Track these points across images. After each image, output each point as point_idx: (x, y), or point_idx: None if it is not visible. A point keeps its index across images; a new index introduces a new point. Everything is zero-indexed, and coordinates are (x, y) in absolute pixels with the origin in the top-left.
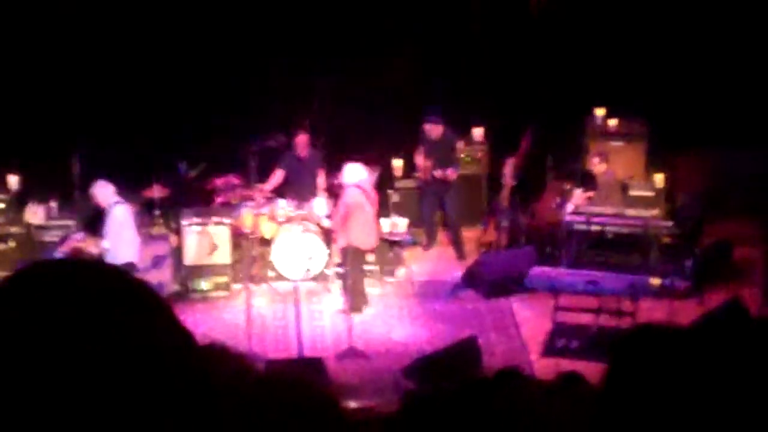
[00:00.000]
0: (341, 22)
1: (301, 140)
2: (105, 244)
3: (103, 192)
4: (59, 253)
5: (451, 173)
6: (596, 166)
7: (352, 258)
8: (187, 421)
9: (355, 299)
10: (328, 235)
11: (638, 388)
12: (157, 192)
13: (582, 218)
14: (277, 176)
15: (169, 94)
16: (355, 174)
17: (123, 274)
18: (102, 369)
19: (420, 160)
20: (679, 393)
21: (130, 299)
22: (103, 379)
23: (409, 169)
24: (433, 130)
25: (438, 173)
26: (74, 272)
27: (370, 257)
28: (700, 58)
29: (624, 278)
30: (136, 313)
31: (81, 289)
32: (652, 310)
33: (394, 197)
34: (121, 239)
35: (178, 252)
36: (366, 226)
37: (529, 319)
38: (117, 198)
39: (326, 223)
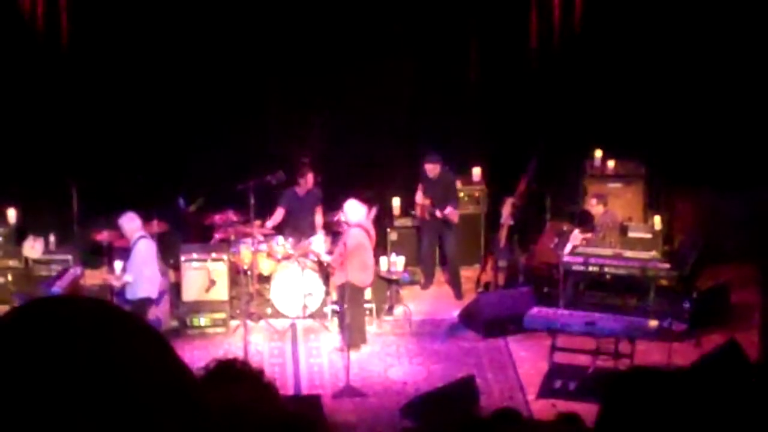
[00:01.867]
0: (340, 59)
1: (306, 178)
2: (127, 277)
3: (130, 225)
4: (57, 287)
5: (451, 213)
6: (594, 207)
7: (351, 295)
8: None
9: (354, 336)
10: (326, 272)
11: (630, 429)
12: (155, 227)
13: (580, 259)
14: (278, 214)
15: (169, 129)
16: (358, 213)
17: (122, 312)
18: (101, 407)
19: (419, 198)
20: None
21: (130, 337)
22: (103, 418)
23: (408, 207)
24: (432, 169)
25: (439, 213)
26: (74, 310)
27: (368, 294)
28: (698, 99)
29: (622, 320)
30: (136, 351)
31: (81, 326)
32: (649, 352)
33: (393, 235)
34: (143, 274)
35: (176, 288)
36: (365, 265)
37: (527, 360)
38: (142, 232)
39: (326, 258)
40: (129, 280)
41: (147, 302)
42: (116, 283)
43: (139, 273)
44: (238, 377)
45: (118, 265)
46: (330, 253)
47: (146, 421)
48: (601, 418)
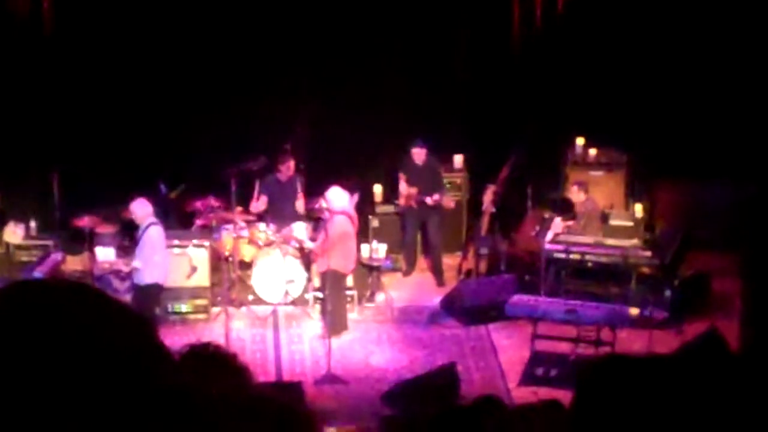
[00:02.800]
0: (325, 48)
1: (288, 165)
2: (136, 263)
3: (142, 210)
4: (38, 272)
5: (446, 200)
6: (575, 194)
7: (333, 282)
8: None
9: (335, 323)
10: (307, 259)
11: (605, 418)
12: None
13: (561, 247)
14: (261, 202)
15: (150, 115)
16: (341, 199)
17: (102, 295)
18: (80, 388)
19: (403, 187)
20: (647, 423)
21: (110, 319)
22: (80, 399)
23: (390, 194)
24: (419, 154)
25: (430, 201)
26: (55, 292)
27: (349, 281)
28: (680, 88)
29: (603, 307)
30: (116, 333)
31: (62, 308)
32: (630, 340)
33: (374, 222)
34: (152, 260)
35: None
36: (349, 252)
37: (508, 347)
38: (153, 218)
39: (310, 245)
40: (138, 266)
41: (156, 288)
42: (125, 269)
43: (148, 259)
44: (212, 362)
45: (99, 251)
46: (313, 239)
47: (125, 403)
48: (574, 405)
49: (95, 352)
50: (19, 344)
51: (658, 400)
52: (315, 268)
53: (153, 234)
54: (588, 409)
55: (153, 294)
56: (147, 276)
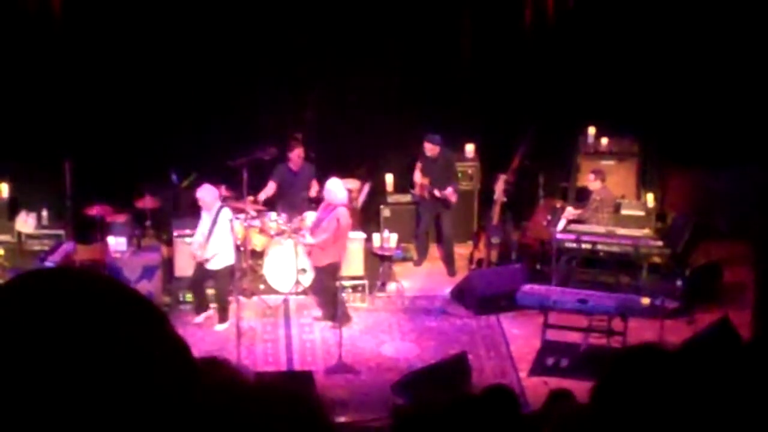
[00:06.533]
0: (333, 35)
1: (296, 154)
2: (215, 247)
3: (211, 195)
4: (50, 262)
5: (450, 193)
6: (591, 182)
7: (335, 273)
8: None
9: (342, 313)
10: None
11: (626, 408)
12: (148, 203)
13: (572, 236)
14: (270, 188)
15: (162, 105)
16: (343, 192)
17: (116, 283)
18: (95, 378)
19: (417, 176)
20: (667, 413)
21: (124, 308)
22: (95, 390)
23: (404, 184)
24: (431, 149)
25: (438, 193)
26: (66, 281)
27: (360, 271)
28: (692, 76)
29: (614, 297)
30: (130, 323)
31: (73, 298)
32: (641, 330)
33: (386, 212)
34: (229, 241)
35: (168, 263)
36: (346, 244)
37: (519, 337)
38: (220, 201)
39: (310, 241)
40: (217, 250)
41: (231, 269)
42: (201, 255)
43: (225, 241)
44: (219, 368)
45: (111, 240)
46: (312, 232)
47: (140, 393)
48: (598, 392)
49: (110, 341)
50: (32, 334)
51: (674, 391)
52: (317, 261)
53: (227, 216)
54: (612, 396)
55: (228, 275)
56: (225, 258)
